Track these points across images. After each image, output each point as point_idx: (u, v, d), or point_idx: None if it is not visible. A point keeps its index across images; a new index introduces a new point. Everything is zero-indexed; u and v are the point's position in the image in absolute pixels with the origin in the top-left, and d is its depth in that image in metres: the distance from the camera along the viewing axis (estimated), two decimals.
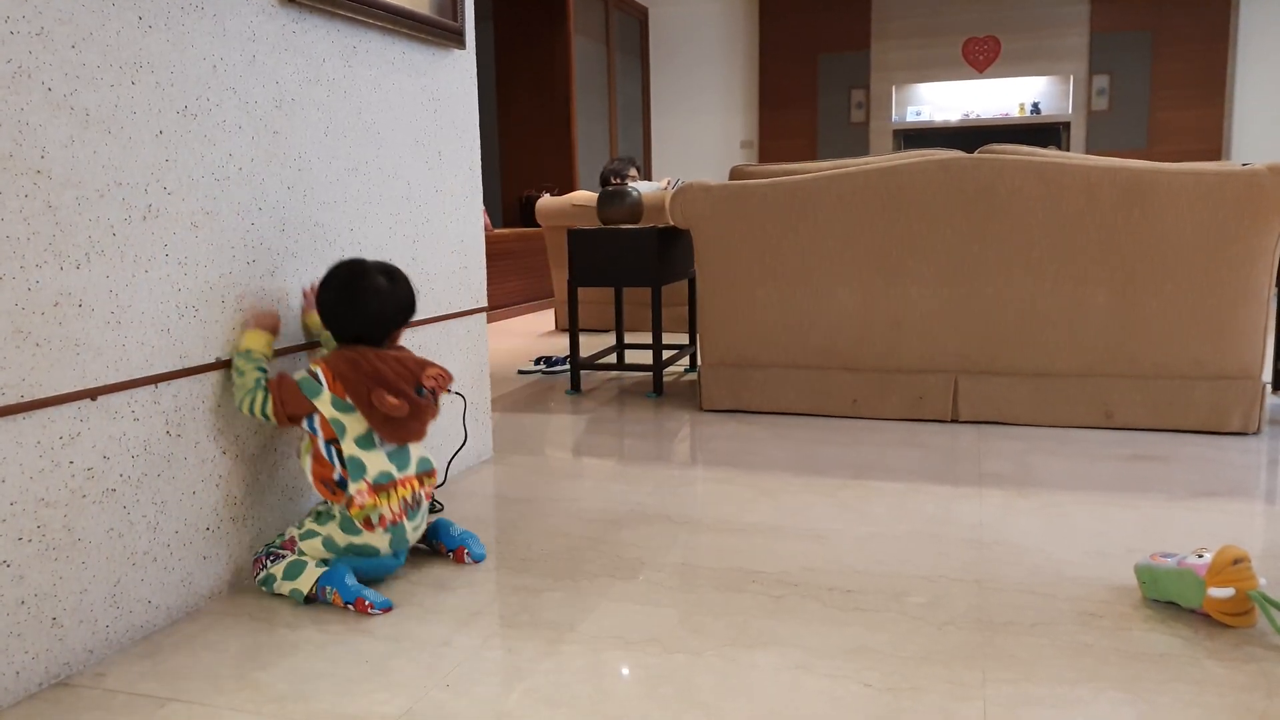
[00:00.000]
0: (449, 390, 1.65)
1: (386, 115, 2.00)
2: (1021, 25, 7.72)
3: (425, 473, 1.63)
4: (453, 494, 2.13)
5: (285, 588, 1.54)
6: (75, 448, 1.33)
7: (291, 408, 1.55)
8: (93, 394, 1.35)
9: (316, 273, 1.80)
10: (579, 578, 1.63)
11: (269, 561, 1.57)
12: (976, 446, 2.45)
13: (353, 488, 1.53)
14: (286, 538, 1.60)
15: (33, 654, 1.28)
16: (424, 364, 1.62)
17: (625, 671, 1.29)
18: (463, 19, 2.24)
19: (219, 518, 1.59)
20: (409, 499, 1.59)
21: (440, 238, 2.22)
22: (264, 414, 1.55)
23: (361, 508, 1.53)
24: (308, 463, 1.59)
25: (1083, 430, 2.57)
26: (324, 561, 1.56)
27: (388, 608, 1.51)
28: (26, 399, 1.26)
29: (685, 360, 3.96)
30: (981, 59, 7.89)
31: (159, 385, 1.46)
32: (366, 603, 1.50)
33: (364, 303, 1.61)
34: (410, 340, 2.11)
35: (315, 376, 1.56)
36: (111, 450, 1.38)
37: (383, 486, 1.55)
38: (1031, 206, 2.55)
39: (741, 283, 2.82)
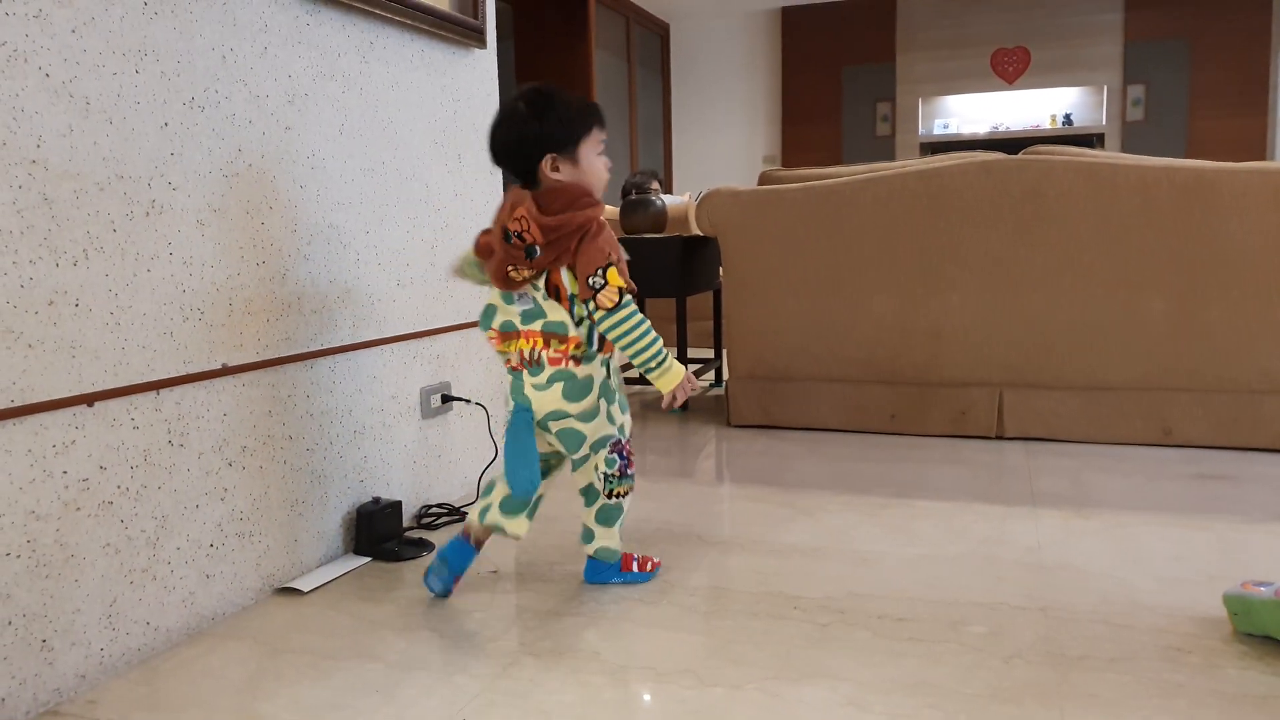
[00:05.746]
0: (533, 243, 1.44)
1: (404, 114, 1.92)
2: (1052, 35, 7.57)
3: (552, 334, 1.47)
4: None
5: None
6: (69, 456, 1.24)
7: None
8: (89, 399, 1.26)
9: (330, 276, 1.71)
10: (604, 601, 1.52)
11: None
12: (1026, 463, 2.31)
13: (483, 335, 1.57)
14: None
15: (20, 680, 1.18)
16: (515, 205, 1.46)
17: (659, 706, 1.18)
18: (484, 17, 2.16)
19: (223, 533, 1.49)
20: (526, 353, 1.49)
21: (460, 243, 2.13)
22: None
23: (501, 352, 1.54)
24: None
25: (1138, 447, 2.43)
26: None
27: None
28: (17, 404, 1.17)
29: (710, 375, 3.85)
30: (1011, 70, 7.76)
31: (160, 391, 1.37)
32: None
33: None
34: (428, 349, 2.02)
35: None
36: (108, 460, 1.29)
37: (507, 335, 1.51)
38: (1082, 209, 2.42)
39: (772, 291, 2.71)
